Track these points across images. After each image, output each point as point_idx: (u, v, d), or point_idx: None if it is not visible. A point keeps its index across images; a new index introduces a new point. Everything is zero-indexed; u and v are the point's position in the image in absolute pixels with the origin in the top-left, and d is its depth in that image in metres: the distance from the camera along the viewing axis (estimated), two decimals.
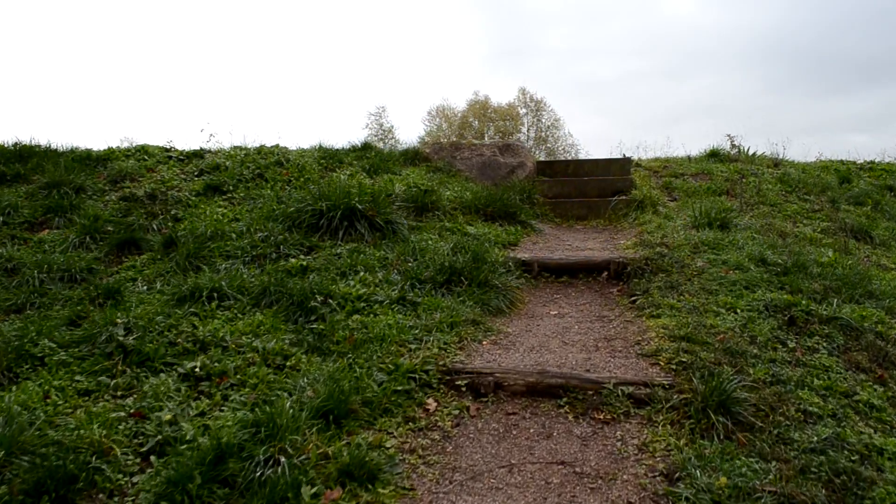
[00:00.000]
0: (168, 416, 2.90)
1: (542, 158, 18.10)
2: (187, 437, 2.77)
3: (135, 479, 2.59)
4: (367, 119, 29.71)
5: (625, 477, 2.61)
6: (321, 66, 53.91)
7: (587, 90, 48.71)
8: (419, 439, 2.90)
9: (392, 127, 26.84)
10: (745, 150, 9.58)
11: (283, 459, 2.56)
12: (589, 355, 3.65)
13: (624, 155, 9.57)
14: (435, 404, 3.17)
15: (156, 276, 4.84)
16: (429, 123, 29.32)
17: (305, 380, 3.22)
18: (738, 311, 4.01)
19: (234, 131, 20.61)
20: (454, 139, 10.52)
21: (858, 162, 9.84)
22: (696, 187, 7.87)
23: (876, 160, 9.88)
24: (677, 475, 2.54)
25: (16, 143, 7.29)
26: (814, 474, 2.53)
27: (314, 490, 2.45)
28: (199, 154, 7.53)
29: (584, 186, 7.78)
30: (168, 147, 7.73)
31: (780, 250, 5.17)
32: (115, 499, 2.49)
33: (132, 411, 3.00)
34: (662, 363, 3.41)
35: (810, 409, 2.98)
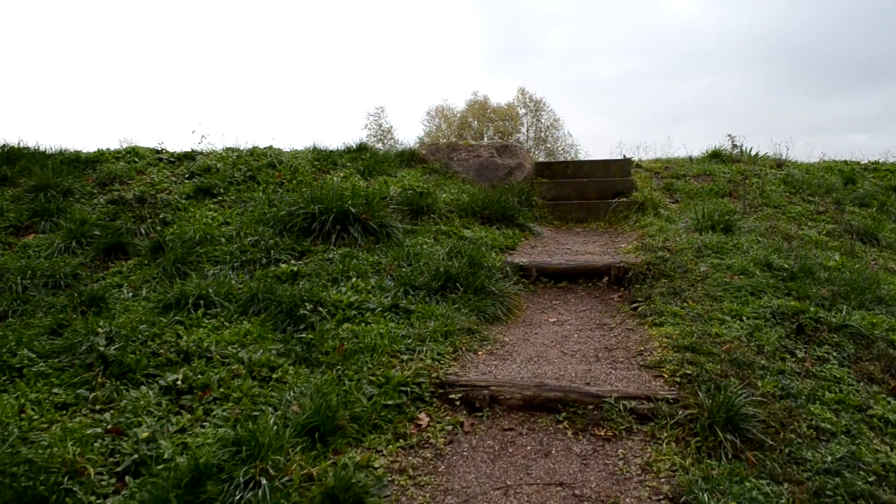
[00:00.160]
0: (145, 434, 2.74)
1: (541, 159, 18.00)
2: (165, 457, 2.62)
3: (108, 502, 2.44)
4: (366, 120, 29.55)
5: (627, 500, 2.46)
6: (320, 66, 53.78)
7: (587, 90, 48.57)
8: (410, 458, 2.75)
9: (391, 127, 26.68)
10: (748, 150, 9.44)
11: (264, 482, 2.41)
12: (589, 366, 3.49)
13: (624, 155, 9.45)
14: (427, 419, 3.02)
15: (142, 282, 4.69)
16: (428, 124, 29.18)
17: (292, 393, 3.07)
18: (744, 318, 3.87)
19: (227, 132, 20.46)
20: (452, 140, 10.38)
21: (862, 162, 9.69)
22: (699, 189, 7.72)
23: (880, 160, 9.74)
24: (683, 499, 2.39)
25: (3, 146, 7.13)
26: (829, 498, 2.38)
27: None
28: (190, 156, 7.38)
29: (583, 188, 7.63)
30: (159, 149, 7.58)
31: (786, 254, 5.02)
32: None
33: (109, 427, 2.86)
34: (666, 375, 3.26)
35: (823, 425, 2.83)
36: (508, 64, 51.44)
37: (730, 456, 2.62)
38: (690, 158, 9.46)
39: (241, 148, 7.77)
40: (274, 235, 5.27)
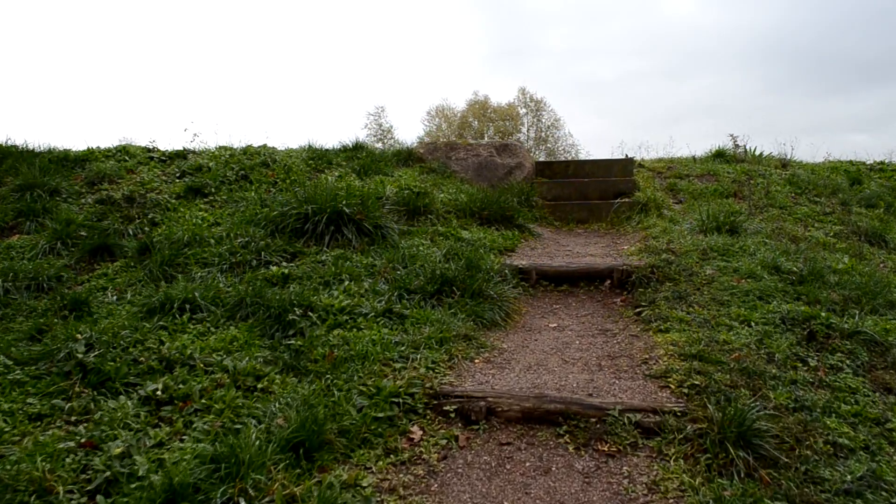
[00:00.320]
0: (118, 450, 2.57)
1: (541, 159, 17.82)
2: (139, 474, 2.45)
3: None
4: (366, 119, 29.35)
5: None
6: (320, 66, 53.59)
7: (587, 90, 48.37)
8: (401, 475, 2.58)
9: (391, 127, 26.51)
10: (752, 150, 9.27)
11: (242, 503, 2.24)
12: (591, 376, 3.33)
13: (626, 155, 9.25)
14: (420, 433, 2.85)
15: (127, 285, 4.52)
16: (428, 123, 29.02)
17: (277, 405, 2.90)
18: (753, 324, 3.70)
19: (221, 131, 20.27)
20: (452, 139, 10.21)
21: (868, 162, 9.53)
22: (703, 189, 7.55)
23: (886, 161, 9.57)
24: None
25: None
26: None
27: None
28: (182, 154, 7.21)
29: (584, 188, 7.45)
30: (150, 147, 7.41)
31: (794, 257, 4.85)
32: None
33: (83, 441, 2.69)
34: (673, 386, 3.09)
35: (840, 440, 2.66)
36: (508, 64, 51.30)
37: (742, 475, 2.45)
38: (693, 158, 9.28)
39: (235, 147, 7.60)
40: (265, 236, 5.11)
